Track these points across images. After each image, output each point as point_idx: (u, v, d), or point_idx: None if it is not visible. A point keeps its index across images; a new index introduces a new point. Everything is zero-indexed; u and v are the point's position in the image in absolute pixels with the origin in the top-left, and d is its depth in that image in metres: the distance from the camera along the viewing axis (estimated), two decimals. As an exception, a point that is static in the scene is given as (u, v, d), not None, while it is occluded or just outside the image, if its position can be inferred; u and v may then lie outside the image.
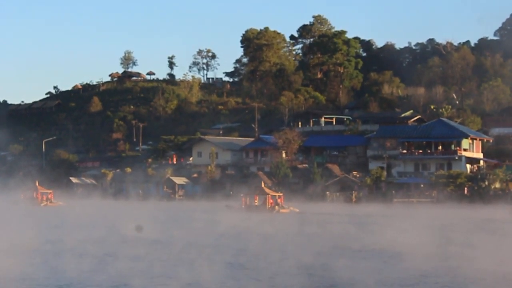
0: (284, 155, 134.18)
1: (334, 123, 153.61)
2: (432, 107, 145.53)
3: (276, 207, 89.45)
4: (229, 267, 35.93)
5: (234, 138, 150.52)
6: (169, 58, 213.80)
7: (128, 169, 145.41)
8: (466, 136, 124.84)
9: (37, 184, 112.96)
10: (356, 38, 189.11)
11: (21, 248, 43.16)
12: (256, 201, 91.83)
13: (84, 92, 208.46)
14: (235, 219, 68.59)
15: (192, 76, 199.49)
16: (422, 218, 74.30)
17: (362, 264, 37.36)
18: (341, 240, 50.36)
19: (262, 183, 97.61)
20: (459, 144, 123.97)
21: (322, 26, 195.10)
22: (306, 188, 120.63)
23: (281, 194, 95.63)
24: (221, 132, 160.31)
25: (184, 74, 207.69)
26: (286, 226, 63.98)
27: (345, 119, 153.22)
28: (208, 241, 49.08)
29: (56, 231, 58.28)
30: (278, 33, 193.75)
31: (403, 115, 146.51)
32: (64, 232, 56.63)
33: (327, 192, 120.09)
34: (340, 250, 44.00)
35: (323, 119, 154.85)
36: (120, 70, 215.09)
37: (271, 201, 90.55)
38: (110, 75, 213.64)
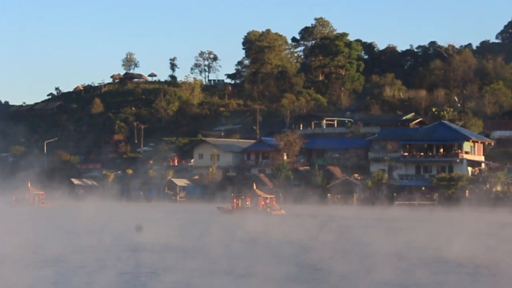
0: (285, 157, 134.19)
1: (335, 125, 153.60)
2: (433, 109, 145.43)
3: (268, 209, 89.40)
4: (294, 281, 31.93)
5: (236, 140, 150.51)
6: (170, 59, 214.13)
7: (130, 171, 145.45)
8: (468, 139, 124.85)
9: (29, 185, 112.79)
10: (358, 41, 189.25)
11: (22, 256, 39.33)
12: (248, 203, 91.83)
13: (86, 94, 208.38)
14: (252, 223, 65.68)
15: (194, 78, 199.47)
16: (448, 222, 71.61)
17: (463, 281, 32.93)
18: (399, 248, 45.28)
19: (254, 185, 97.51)
20: (460, 147, 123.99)
21: (324, 29, 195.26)
22: (308, 190, 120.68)
23: (273, 196, 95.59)
24: (222, 134, 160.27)
25: (185, 76, 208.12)
26: (310, 230, 59.53)
27: (346, 121, 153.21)
28: (238, 248, 45.54)
29: (68, 235, 54.23)
30: (280, 35, 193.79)
31: (404, 117, 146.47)
32: (74, 237, 52.51)
33: (328, 194, 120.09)
34: (407, 261, 39.15)
35: (324, 121, 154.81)
36: (122, 72, 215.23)
37: (263, 203, 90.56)
38: (111, 77, 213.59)
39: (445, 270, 36.01)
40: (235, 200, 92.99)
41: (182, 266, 36.30)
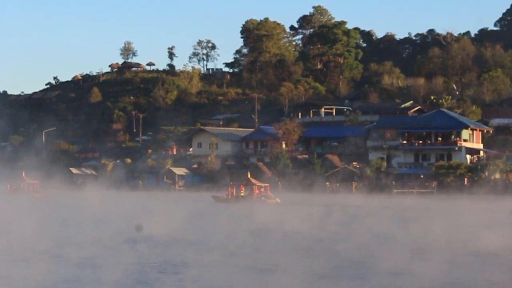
0: (284, 145, 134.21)
1: (334, 113, 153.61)
2: (432, 97, 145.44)
3: (263, 197, 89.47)
4: (335, 278, 28.57)
5: (234, 128, 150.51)
6: (169, 48, 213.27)
7: (128, 160, 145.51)
8: (466, 127, 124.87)
9: (23, 174, 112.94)
10: (356, 29, 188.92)
11: (27, 250, 36.25)
12: (242, 191, 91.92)
13: (84, 83, 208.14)
14: (255, 213, 62.86)
15: (192, 67, 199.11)
16: (458, 211, 69.75)
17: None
18: (426, 239, 41.85)
19: (249, 174, 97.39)
20: (459, 135, 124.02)
21: (322, 17, 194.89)
22: (306, 179, 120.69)
23: (267, 184, 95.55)
24: (221, 122, 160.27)
25: (184, 65, 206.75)
26: (319, 220, 55.11)
27: (345, 109, 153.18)
28: (252, 239, 42.03)
29: (64, 227, 51.54)
30: (278, 24, 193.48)
31: (403, 105, 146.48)
32: (72, 229, 49.57)
33: (327, 183, 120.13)
34: (447, 254, 35.60)
35: (323, 109, 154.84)
36: (120, 61, 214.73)
37: (257, 191, 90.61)
38: (110, 66, 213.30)
39: (496, 264, 32.50)
40: (229, 188, 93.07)
41: (199, 261, 33.25)
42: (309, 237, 44.08)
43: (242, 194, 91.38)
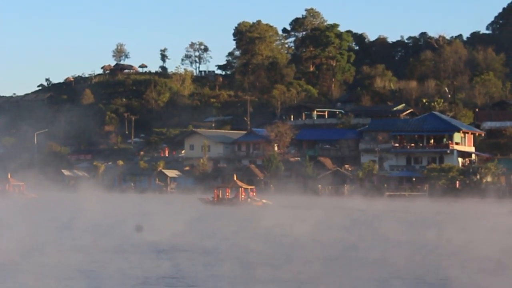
0: (276, 148, 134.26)
1: (326, 116, 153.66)
2: (424, 100, 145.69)
3: (249, 200, 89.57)
4: None
5: (226, 131, 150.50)
6: (161, 50, 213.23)
7: (120, 162, 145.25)
8: (458, 130, 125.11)
9: (9, 176, 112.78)
10: (348, 32, 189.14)
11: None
12: (228, 194, 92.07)
13: (76, 85, 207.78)
14: (264, 217, 60.46)
15: (185, 69, 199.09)
16: (476, 214, 68.70)
17: None
18: (461, 248, 37.69)
19: (235, 176, 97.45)
20: (451, 138, 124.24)
21: (314, 19, 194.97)
22: (298, 181, 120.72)
23: (253, 187, 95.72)
24: (213, 125, 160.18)
25: (176, 67, 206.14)
26: (336, 227, 51.17)
27: (337, 112, 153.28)
28: (271, 248, 37.24)
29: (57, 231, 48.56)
30: (271, 26, 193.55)
31: (395, 108, 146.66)
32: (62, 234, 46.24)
33: (319, 185, 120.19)
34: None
35: (315, 112, 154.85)
36: (112, 63, 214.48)
37: (244, 194, 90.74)
38: (102, 68, 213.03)
39: None
40: (216, 191, 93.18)
41: (215, 273, 29.30)
42: (332, 244, 39.82)
43: (228, 197, 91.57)
